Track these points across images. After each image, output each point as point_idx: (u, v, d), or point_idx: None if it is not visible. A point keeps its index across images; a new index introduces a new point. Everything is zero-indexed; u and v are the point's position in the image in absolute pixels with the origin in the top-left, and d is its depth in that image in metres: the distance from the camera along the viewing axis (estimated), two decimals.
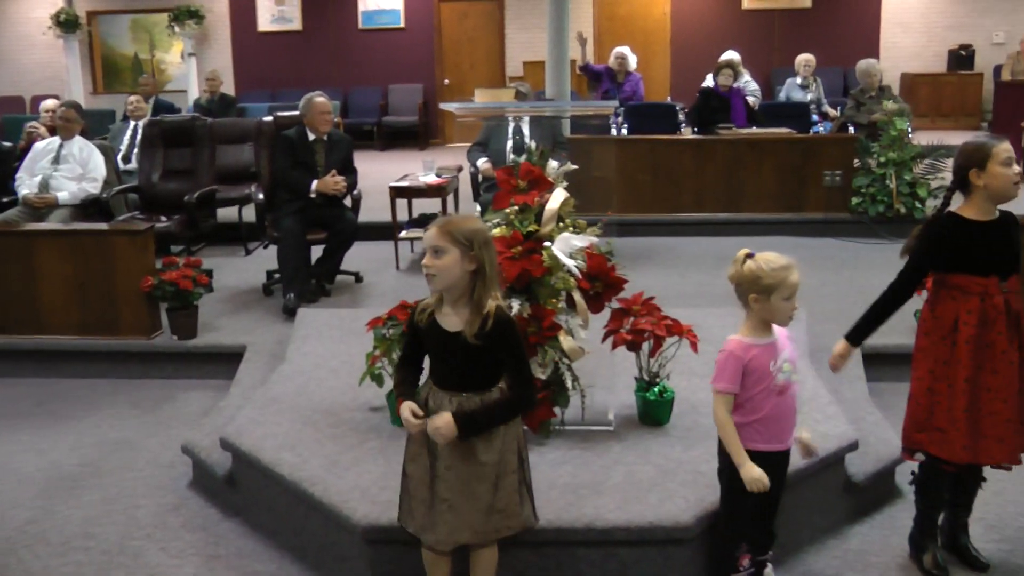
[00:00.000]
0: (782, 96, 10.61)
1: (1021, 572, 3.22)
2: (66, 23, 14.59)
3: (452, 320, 2.68)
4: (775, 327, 2.81)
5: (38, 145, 7.13)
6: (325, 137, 6.27)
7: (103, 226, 5.88)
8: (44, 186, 6.85)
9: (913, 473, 3.25)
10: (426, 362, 2.83)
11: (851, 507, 3.62)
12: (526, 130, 6.78)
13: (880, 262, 6.42)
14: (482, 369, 2.68)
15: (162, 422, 4.80)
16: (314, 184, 6.10)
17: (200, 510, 3.85)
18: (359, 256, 6.77)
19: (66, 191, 6.82)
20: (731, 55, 9.88)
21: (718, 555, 2.98)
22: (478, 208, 6.81)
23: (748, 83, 10.20)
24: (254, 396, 4.30)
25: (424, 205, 7.56)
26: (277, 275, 6.26)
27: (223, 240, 7.86)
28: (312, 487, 3.28)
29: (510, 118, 6.66)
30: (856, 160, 7.95)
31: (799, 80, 10.36)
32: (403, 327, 3.57)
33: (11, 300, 5.49)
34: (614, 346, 3.71)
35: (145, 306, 5.43)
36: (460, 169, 7.78)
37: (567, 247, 3.52)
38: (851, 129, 9.02)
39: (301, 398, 4.14)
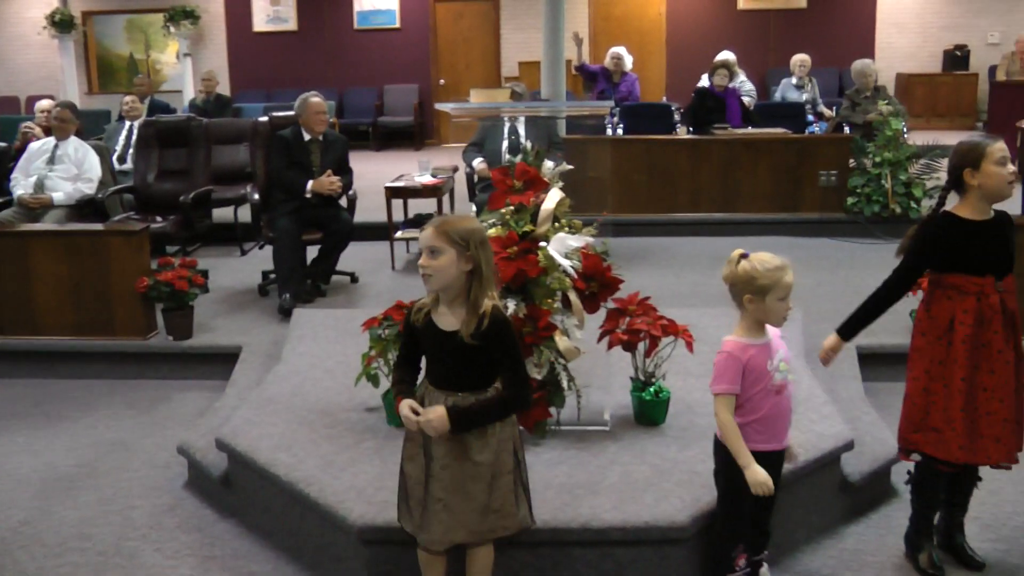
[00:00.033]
0: (777, 96, 10.63)
1: (1017, 571, 3.23)
2: (61, 23, 14.57)
3: (448, 320, 2.68)
4: (768, 327, 2.82)
5: (33, 145, 7.12)
6: (320, 137, 6.27)
7: (98, 227, 5.87)
8: (39, 186, 6.84)
9: (909, 473, 3.26)
10: (423, 362, 2.84)
11: (847, 507, 3.62)
12: (522, 130, 6.77)
13: (876, 262, 6.43)
14: (478, 369, 2.69)
15: (158, 423, 4.80)
16: (309, 184, 6.09)
17: (196, 511, 3.84)
18: (355, 256, 6.77)
19: (61, 191, 6.81)
20: (727, 55, 9.90)
21: (714, 555, 2.99)
22: (474, 208, 6.81)
23: (744, 83, 10.22)
24: (250, 397, 4.30)
25: (420, 205, 7.56)
26: (273, 275, 6.26)
27: (219, 240, 7.85)
28: (308, 487, 3.28)
29: (506, 118, 6.65)
30: (851, 160, 7.96)
31: (794, 80, 10.38)
32: (399, 327, 3.58)
33: (6, 301, 5.48)
34: (610, 346, 3.72)
35: (141, 307, 5.42)
36: (456, 169, 7.78)
37: (563, 247, 3.52)
38: (846, 129, 9.03)
39: (297, 399, 4.14)
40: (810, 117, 9.75)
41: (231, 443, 3.72)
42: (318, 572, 3.33)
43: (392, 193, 7.07)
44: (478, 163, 6.90)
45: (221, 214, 7.91)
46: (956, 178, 3.05)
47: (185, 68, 14.84)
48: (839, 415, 3.80)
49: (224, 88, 14.17)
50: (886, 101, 8.63)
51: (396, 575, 3.06)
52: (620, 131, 9.23)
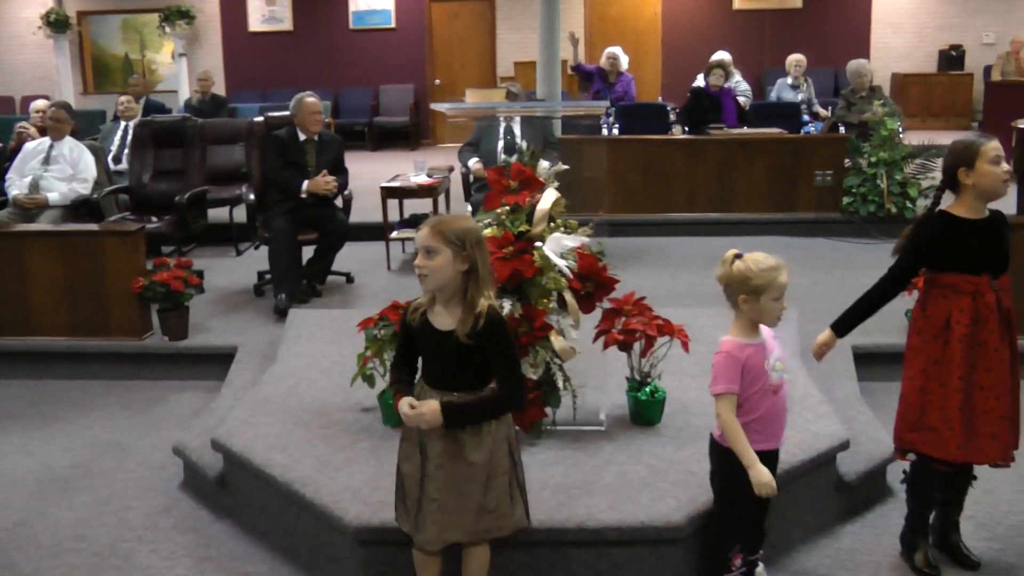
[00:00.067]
0: (773, 96, 10.63)
1: (1012, 570, 3.24)
2: (56, 23, 14.55)
3: (444, 319, 2.68)
4: (762, 327, 2.82)
5: (28, 145, 7.10)
6: (316, 137, 6.26)
7: (93, 227, 5.86)
8: (34, 187, 6.82)
9: (904, 472, 3.26)
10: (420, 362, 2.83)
11: (842, 506, 3.62)
12: (517, 130, 6.78)
13: (871, 262, 6.41)
14: (473, 369, 2.69)
15: (153, 423, 4.79)
16: (305, 184, 6.09)
17: (191, 511, 3.84)
18: (350, 257, 6.76)
19: (56, 192, 6.79)
20: (722, 55, 9.88)
21: (711, 555, 2.99)
22: (469, 208, 6.81)
23: (739, 83, 10.22)
24: (245, 397, 4.29)
25: (415, 205, 7.56)
26: (268, 276, 6.25)
27: (214, 241, 7.85)
28: (303, 488, 3.27)
29: (501, 118, 6.66)
30: (847, 160, 7.97)
31: (790, 80, 10.38)
32: (395, 327, 3.58)
33: (1, 301, 5.46)
34: (605, 346, 3.72)
35: (136, 307, 5.41)
36: (451, 169, 7.78)
37: (558, 247, 3.52)
38: (842, 129, 9.04)
39: (292, 399, 4.13)
40: (806, 117, 9.77)
41: (227, 444, 3.71)
42: (314, 573, 3.33)
43: (388, 193, 7.07)
44: (474, 163, 6.90)
45: (216, 214, 7.89)
46: (951, 177, 3.05)
47: (180, 68, 14.82)
48: (835, 415, 3.80)
49: (219, 88, 14.16)
50: (881, 101, 8.65)
51: (392, 575, 3.06)
52: (616, 131, 9.24)
